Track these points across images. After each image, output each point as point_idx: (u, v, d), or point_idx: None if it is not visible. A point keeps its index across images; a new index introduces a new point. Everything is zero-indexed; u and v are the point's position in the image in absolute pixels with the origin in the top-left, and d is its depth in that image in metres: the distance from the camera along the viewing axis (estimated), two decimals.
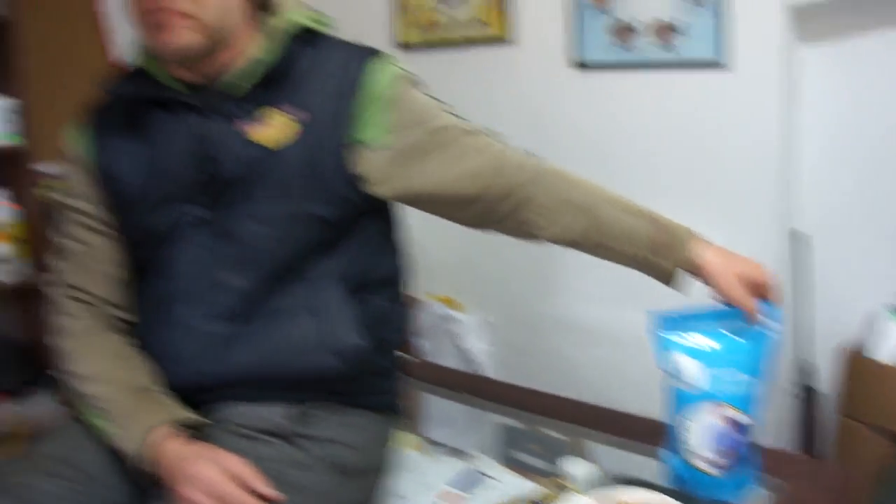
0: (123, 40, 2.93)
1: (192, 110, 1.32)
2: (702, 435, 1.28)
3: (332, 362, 1.31)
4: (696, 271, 1.33)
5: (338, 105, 1.29)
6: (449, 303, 2.91)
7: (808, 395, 2.36)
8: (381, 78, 1.31)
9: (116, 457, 1.30)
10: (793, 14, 2.24)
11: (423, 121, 1.33)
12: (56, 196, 1.51)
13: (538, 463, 1.88)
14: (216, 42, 1.27)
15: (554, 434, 1.93)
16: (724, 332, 1.30)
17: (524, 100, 2.76)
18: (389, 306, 1.44)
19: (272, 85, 1.31)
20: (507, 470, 1.71)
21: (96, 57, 2.91)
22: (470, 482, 1.65)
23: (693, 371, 1.29)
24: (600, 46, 2.55)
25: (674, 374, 1.31)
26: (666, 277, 1.36)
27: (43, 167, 2.52)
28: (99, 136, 1.41)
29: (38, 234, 2.53)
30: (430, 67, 2.85)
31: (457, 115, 1.38)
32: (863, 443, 2.15)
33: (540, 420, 1.95)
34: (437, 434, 1.94)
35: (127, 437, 1.26)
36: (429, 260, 2.99)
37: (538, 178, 1.35)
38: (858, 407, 2.19)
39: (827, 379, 2.34)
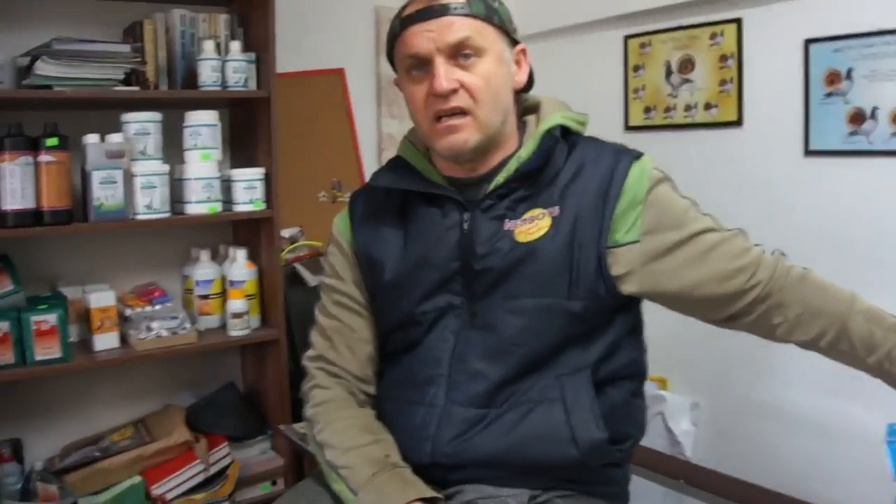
0: (364, 124, 3.15)
1: (460, 206, 1.44)
2: None
3: (573, 453, 1.37)
4: None
5: (601, 205, 1.38)
6: (660, 382, 2.92)
7: None
8: (642, 180, 1.39)
9: None
10: None
11: (680, 224, 1.40)
12: (322, 276, 1.65)
13: None
14: (492, 140, 1.41)
15: None
16: None
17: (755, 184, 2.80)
18: (629, 400, 1.49)
19: (533, 183, 1.42)
20: None
21: (338, 137, 3.15)
22: None
23: None
24: (834, 134, 2.54)
25: None
26: None
27: (283, 232, 2.72)
28: (361, 223, 1.56)
29: (269, 293, 2.70)
30: (660, 145, 2.97)
31: (711, 217, 1.45)
32: None
33: None
34: None
35: None
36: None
37: (791, 284, 1.40)
38: None
39: None
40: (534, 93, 1.54)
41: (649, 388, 2.89)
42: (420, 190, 1.48)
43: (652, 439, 2.88)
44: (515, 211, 1.41)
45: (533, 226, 1.40)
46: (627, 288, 1.40)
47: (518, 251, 1.39)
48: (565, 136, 1.45)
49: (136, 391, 2.73)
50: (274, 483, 2.71)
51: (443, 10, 1.35)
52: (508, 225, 1.41)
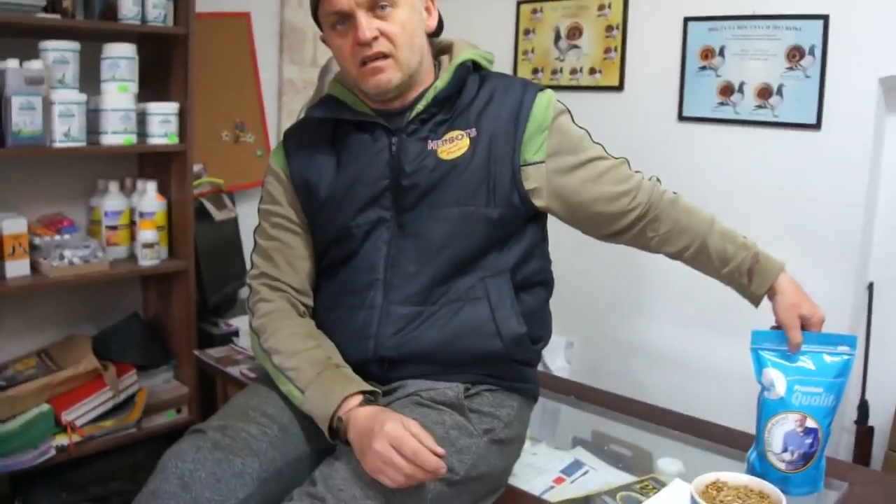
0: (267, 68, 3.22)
1: (388, 131, 1.64)
2: (780, 438, 1.56)
3: (498, 344, 1.60)
4: (770, 295, 1.67)
5: (512, 128, 1.61)
6: None
7: (864, 432, 2.61)
8: (547, 109, 1.62)
9: (303, 414, 1.56)
10: (884, 86, 2.56)
11: (578, 149, 1.65)
12: (260, 204, 1.79)
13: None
14: (412, 78, 1.62)
15: (639, 445, 2.19)
16: (811, 352, 1.60)
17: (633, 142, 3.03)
18: (542, 306, 1.75)
19: (450, 108, 1.64)
20: (604, 463, 2.01)
21: (242, 79, 3.22)
22: (574, 469, 1.97)
23: (781, 384, 1.57)
24: (705, 103, 2.82)
25: (765, 386, 1.60)
26: (753, 299, 1.70)
27: (194, 167, 2.77)
28: (295, 152, 1.74)
29: (179, 225, 2.76)
30: None
31: (601, 146, 1.70)
32: None
33: (633, 421, 2.21)
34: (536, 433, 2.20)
35: (320, 405, 1.48)
36: None
37: (664, 205, 1.69)
38: None
39: (882, 417, 2.60)
40: (444, 36, 1.73)
41: None
42: (351, 119, 1.67)
43: None
44: (437, 133, 1.61)
45: (454, 145, 1.59)
46: (537, 201, 1.63)
47: (442, 167, 1.58)
48: (476, 71, 1.66)
49: (39, 322, 2.72)
50: (179, 410, 2.78)
51: None
52: (432, 145, 1.60)
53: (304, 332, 1.65)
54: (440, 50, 1.71)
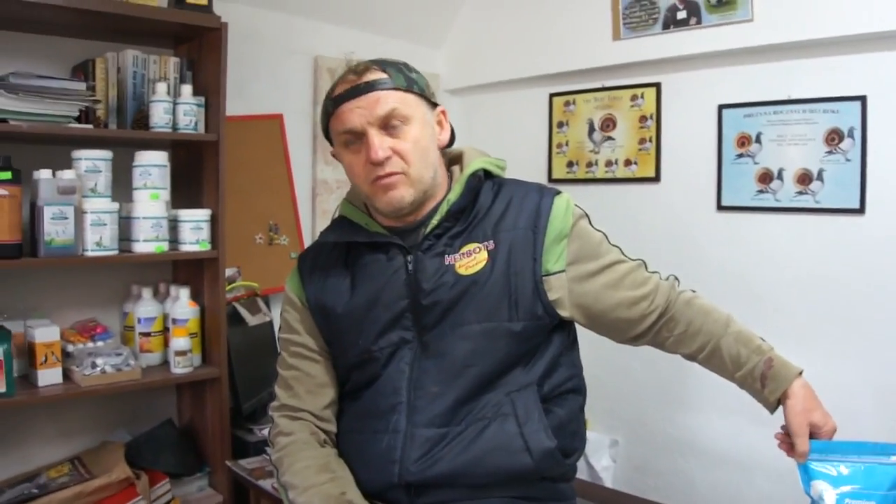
0: (300, 169, 3.24)
1: (403, 250, 1.60)
2: None
3: (528, 461, 1.52)
4: (782, 399, 1.59)
5: (531, 237, 1.57)
6: None
7: None
8: (566, 214, 1.59)
9: None
10: None
11: (598, 254, 1.61)
12: (279, 333, 1.78)
13: None
14: (425, 194, 1.59)
15: None
16: (862, 464, 1.50)
17: (671, 236, 3.03)
18: (573, 416, 1.66)
19: (465, 221, 1.60)
20: None
21: (275, 180, 3.24)
22: None
23: (830, 496, 1.47)
24: (744, 191, 2.77)
25: (814, 499, 1.50)
26: (767, 405, 1.63)
27: (227, 271, 2.77)
28: (310, 277, 1.71)
29: (212, 331, 2.74)
30: (583, 197, 3.17)
31: (619, 248, 1.67)
32: None
33: None
34: None
35: None
36: None
37: (681, 305, 1.65)
38: None
39: None
40: (458, 145, 1.71)
41: None
42: (364, 240, 1.64)
43: None
44: (453, 246, 1.57)
45: (472, 259, 1.56)
46: (561, 311, 1.58)
47: (462, 283, 1.54)
48: (490, 178, 1.64)
49: (73, 428, 2.71)
50: None
51: (369, 87, 1.52)
52: (449, 259, 1.56)
53: (320, 464, 1.60)
54: (451, 160, 1.69)
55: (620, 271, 1.62)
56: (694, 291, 1.68)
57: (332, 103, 1.56)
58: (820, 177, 2.67)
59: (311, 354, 1.70)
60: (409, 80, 1.56)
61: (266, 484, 2.42)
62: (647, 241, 3.06)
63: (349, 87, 1.53)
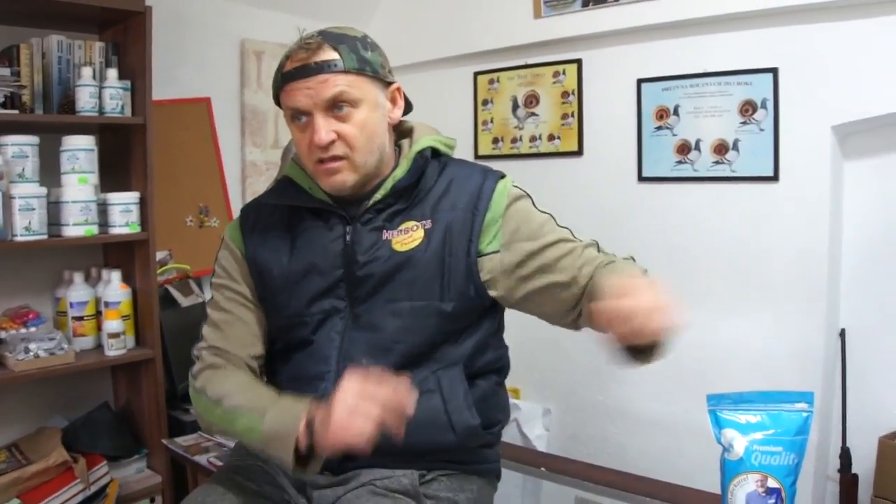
0: (229, 151, 3.26)
1: (343, 219, 1.61)
2: (743, 499, 1.52)
3: (451, 437, 1.57)
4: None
5: (469, 219, 1.57)
6: (513, 392, 3.15)
7: (848, 479, 2.60)
8: (501, 198, 1.58)
9: None
10: (837, 134, 2.61)
11: (535, 236, 1.57)
12: (213, 278, 1.75)
13: None
14: (368, 176, 1.58)
15: None
16: (769, 412, 1.56)
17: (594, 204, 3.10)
18: (496, 390, 1.70)
19: (407, 198, 1.61)
20: None
21: (205, 163, 3.25)
22: None
23: (739, 444, 1.54)
24: (663, 162, 2.87)
25: (724, 447, 1.57)
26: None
27: (158, 255, 2.79)
28: (251, 232, 1.70)
29: (144, 313, 2.76)
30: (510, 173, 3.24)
31: (568, 229, 1.63)
32: None
33: (605, 491, 2.19)
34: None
35: (284, 420, 1.42)
36: None
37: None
38: (890, 488, 2.43)
39: (865, 464, 2.59)
40: (408, 118, 1.70)
41: None
42: (306, 205, 1.62)
43: (505, 442, 3.10)
44: (392, 223, 1.57)
45: (408, 236, 1.56)
46: (493, 292, 1.58)
47: (396, 259, 1.54)
48: (436, 157, 1.63)
49: (9, 415, 2.70)
50: (152, 500, 2.74)
51: (318, 69, 1.49)
52: (386, 235, 1.56)
53: (251, 378, 1.61)
54: (401, 133, 1.68)
55: (560, 251, 1.57)
56: (617, 258, 1.63)
57: (282, 78, 1.54)
58: (735, 146, 2.76)
59: (246, 303, 1.67)
60: (361, 60, 1.52)
61: (202, 459, 2.45)
62: (571, 214, 3.01)
63: (299, 65, 1.50)
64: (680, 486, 2.16)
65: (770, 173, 2.70)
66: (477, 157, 3.39)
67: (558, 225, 1.62)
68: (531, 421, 3.14)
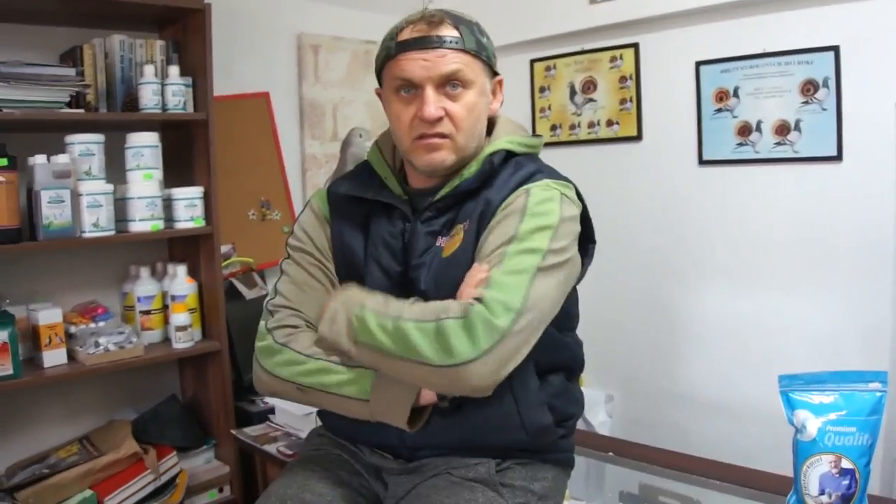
0: (289, 145, 3.29)
1: (405, 218, 1.58)
2: (816, 480, 1.51)
3: (524, 437, 1.55)
4: None
5: (487, 220, 1.50)
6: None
7: None
8: (525, 195, 1.49)
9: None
10: None
11: (513, 213, 1.47)
12: (293, 241, 1.68)
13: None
14: (464, 160, 1.55)
15: (670, 501, 2.15)
16: (842, 392, 1.54)
17: (655, 189, 3.09)
18: (567, 385, 1.67)
19: (467, 201, 1.54)
20: None
21: (265, 158, 3.29)
22: None
23: (812, 425, 1.52)
24: (724, 145, 2.84)
25: (797, 428, 1.55)
26: None
27: (222, 248, 2.83)
28: (335, 206, 1.67)
29: (210, 306, 2.80)
30: (569, 160, 3.20)
31: (563, 257, 1.46)
32: None
33: (675, 474, 2.17)
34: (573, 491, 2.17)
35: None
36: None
37: None
38: None
39: None
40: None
41: None
42: (370, 198, 1.60)
43: None
44: (448, 229, 1.53)
45: (453, 240, 1.51)
46: None
47: (440, 264, 1.50)
48: (513, 157, 1.57)
49: (80, 408, 2.77)
50: (221, 490, 2.79)
51: (439, 42, 1.46)
52: (440, 241, 1.53)
53: None
54: (488, 128, 1.62)
55: (505, 251, 1.42)
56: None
57: (397, 47, 1.50)
58: (797, 127, 2.72)
59: (326, 271, 1.63)
60: (479, 44, 1.51)
61: (272, 448, 2.48)
62: (632, 200, 3.13)
63: (419, 36, 1.47)
64: (750, 468, 2.13)
65: (833, 153, 2.65)
66: None
67: (556, 249, 1.45)
68: (594, 408, 3.13)
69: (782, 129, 2.75)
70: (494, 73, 1.60)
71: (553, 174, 1.56)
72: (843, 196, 2.66)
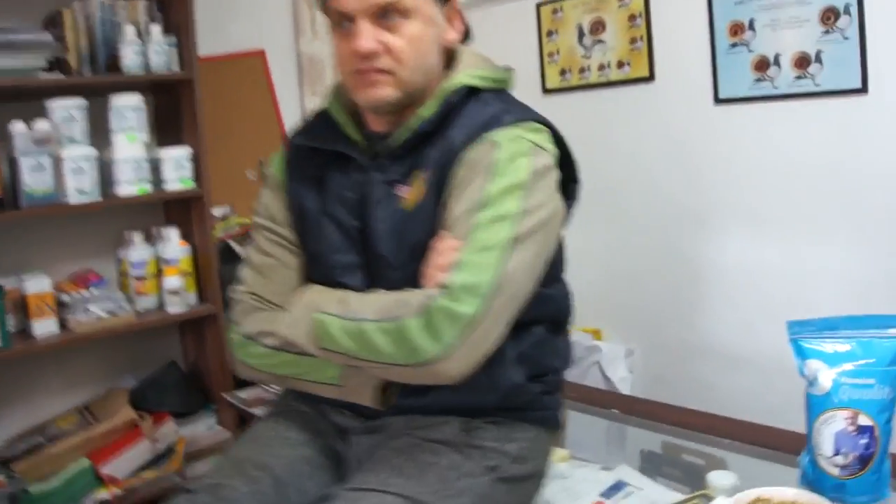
0: (288, 103, 3.19)
1: (361, 169, 1.44)
2: (831, 439, 1.36)
3: (493, 397, 1.43)
4: None
5: (450, 168, 1.35)
6: (593, 333, 3.02)
7: None
8: (492, 148, 1.34)
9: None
10: None
11: (482, 173, 1.32)
12: (255, 217, 1.60)
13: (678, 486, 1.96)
14: (411, 97, 1.40)
15: (693, 459, 2.00)
16: (859, 339, 1.38)
17: (670, 132, 2.92)
18: (550, 336, 1.52)
19: (425, 144, 1.41)
20: (651, 481, 1.77)
21: (263, 117, 3.21)
22: (616, 491, 1.72)
23: (826, 377, 1.37)
24: (742, 81, 2.69)
25: (809, 380, 1.40)
26: None
27: (215, 211, 2.77)
28: (291, 169, 1.55)
29: (204, 269, 2.74)
30: (577, 106, 3.05)
31: (531, 210, 1.33)
32: None
33: (684, 434, 2.03)
34: (582, 452, 2.04)
35: None
36: (573, 292, 3.13)
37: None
38: None
39: None
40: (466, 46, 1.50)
41: (583, 339, 3.00)
42: (325, 147, 1.48)
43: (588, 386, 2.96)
44: (406, 177, 1.40)
45: (413, 190, 1.38)
46: None
47: (400, 219, 1.38)
48: (478, 93, 1.42)
49: (78, 378, 2.75)
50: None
51: None
52: (400, 190, 1.40)
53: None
54: (450, 61, 1.47)
55: (469, 221, 1.30)
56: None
57: None
58: (818, 59, 2.52)
59: (290, 246, 1.53)
60: None
61: (261, 411, 2.42)
62: (646, 144, 2.97)
63: None
64: (763, 426, 1.98)
65: (858, 85, 2.45)
66: (545, 91, 3.23)
67: (530, 208, 1.32)
68: (614, 363, 2.99)
69: (802, 62, 2.56)
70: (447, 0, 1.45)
71: (524, 114, 1.41)
72: (869, 132, 2.45)
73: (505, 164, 1.32)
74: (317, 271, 1.50)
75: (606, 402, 2.30)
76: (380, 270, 1.42)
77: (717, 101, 2.77)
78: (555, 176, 1.40)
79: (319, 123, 1.54)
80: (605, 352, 3.00)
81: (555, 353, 1.55)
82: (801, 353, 1.42)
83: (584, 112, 3.09)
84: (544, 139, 1.40)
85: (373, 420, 1.48)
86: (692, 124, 2.85)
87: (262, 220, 1.57)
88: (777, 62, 2.60)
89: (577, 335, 3.00)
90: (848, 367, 1.36)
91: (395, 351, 1.26)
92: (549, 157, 1.39)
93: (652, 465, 1.95)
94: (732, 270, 2.81)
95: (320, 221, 1.48)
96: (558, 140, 1.44)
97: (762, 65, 2.64)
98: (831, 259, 2.57)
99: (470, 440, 1.43)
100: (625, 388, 2.96)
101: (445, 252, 1.30)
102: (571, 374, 3.04)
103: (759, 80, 2.65)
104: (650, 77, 2.95)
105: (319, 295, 1.42)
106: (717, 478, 1.58)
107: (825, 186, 2.56)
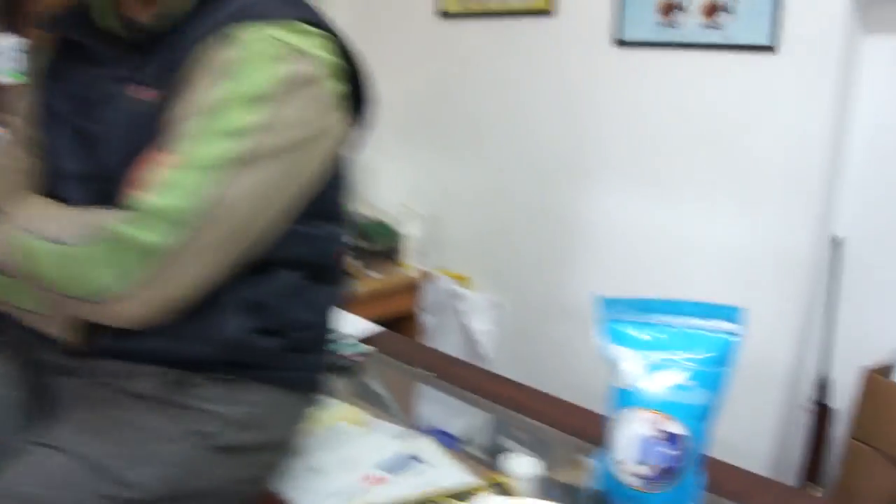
0: None
1: (97, 61, 1.20)
2: (629, 443, 1.16)
3: (208, 350, 1.17)
4: None
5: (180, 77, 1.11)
6: (461, 280, 2.86)
7: (821, 413, 2.23)
8: (228, 46, 1.09)
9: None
10: (858, 1, 2.13)
11: (204, 110, 1.07)
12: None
13: (524, 451, 1.75)
14: None
15: (509, 441, 1.78)
16: (681, 329, 1.18)
17: (564, 73, 2.72)
18: (306, 284, 1.26)
19: (165, 41, 1.15)
20: (447, 458, 1.54)
21: None
22: (399, 465, 1.50)
23: (631, 368, 1.17)
24: (644, 24, 2.49)
25: (613, 368, 1.20)
26: None
27: None
28: (38, 57, 1.30)
29: None
30: (474, 35, 2.78)
31: (274, 127, 1.08)
32: (871, 469, 2.04)
33: (508, 415, 1.81)
34: (427, 415, 1.81)
35: None
36: (445, 234, 2.94)
37: None
38: (872, 431, 2.07)
39: (844, 398, 2.23)
40: None
41: (446, 283, 2.83)
42: (68, 35, 1.24)
43: (446, 336, 2.79)
44: (143, 77, 1.15)
45: (147, 93, 1.13)
46: None
47: (129, 126, 1.14)
48: None
49: None
50: None
51: None
52: (133, 91, 1.14)
53: None
54: None
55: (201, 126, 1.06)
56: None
57: None
58: (730, 8, 2.30)
59: (27, 146, 1.31)
60: None
61: None
62: (537, 81, 2.77)
63: None
64: (572, 404, 1.76)
65: (767, 42, 2.23)
66: (443, 14, 2.94)
67: (264, 126, 1.06)
68: (477, 314, 2.82)
69: (711, 9, 2.35)
70: None
71: (289, 10, 1.12)
72: (773, 95, 2.27)
73: (240, 67, 1.06)
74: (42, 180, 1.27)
75: (428, 363, 2.03)
76: (106, 185, 1.14)
77: (618, 43, 2.55)
78: (326, 90, 1.13)
79: (78, 6, 1.26)
80: (470, 300, 2.83)
81: (308, 304, 1.28)
82: (610, 336, 1.22)
83: (481, 41, 2.85)
84: (313, 45, 1.12)
85: (76, 360, 1.23)
86: (589, 66, 2.65)
87: (12, 119, 1.34)
88: (684, 7, 2.38)
89: (442, 279, 2.84)
90: (658, 358, 1.16)
91: (68, 282, 1.06)
92: (314, 65, 1.11)
93: (459, 442, 1.72)
94: (612, 230, 2.65)
95: (54, 123, 1.24)
96: (345, 50, 1.18)
97: (668, 8, 2.42)
98: (716, 228, 2.42)
99: (178, 398, 1.18)
100: (486, 341, 2.81)
101: (150, 166, 1.06)
102: (429, 321, 2.87)
103: (663, 24, 2.43)
104: (548, 10, 2.70)
105: (30, 208, 1.19)
106: (517, 465, 1.38)
107: (722, 151, 2.40)
